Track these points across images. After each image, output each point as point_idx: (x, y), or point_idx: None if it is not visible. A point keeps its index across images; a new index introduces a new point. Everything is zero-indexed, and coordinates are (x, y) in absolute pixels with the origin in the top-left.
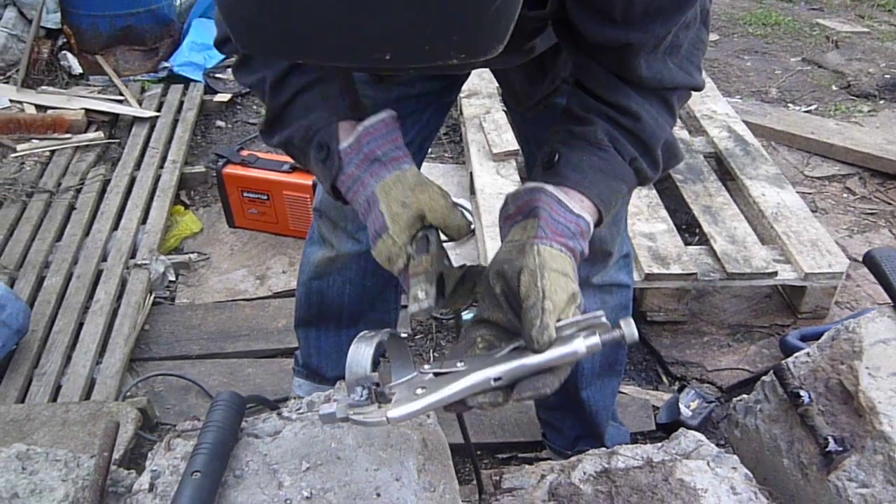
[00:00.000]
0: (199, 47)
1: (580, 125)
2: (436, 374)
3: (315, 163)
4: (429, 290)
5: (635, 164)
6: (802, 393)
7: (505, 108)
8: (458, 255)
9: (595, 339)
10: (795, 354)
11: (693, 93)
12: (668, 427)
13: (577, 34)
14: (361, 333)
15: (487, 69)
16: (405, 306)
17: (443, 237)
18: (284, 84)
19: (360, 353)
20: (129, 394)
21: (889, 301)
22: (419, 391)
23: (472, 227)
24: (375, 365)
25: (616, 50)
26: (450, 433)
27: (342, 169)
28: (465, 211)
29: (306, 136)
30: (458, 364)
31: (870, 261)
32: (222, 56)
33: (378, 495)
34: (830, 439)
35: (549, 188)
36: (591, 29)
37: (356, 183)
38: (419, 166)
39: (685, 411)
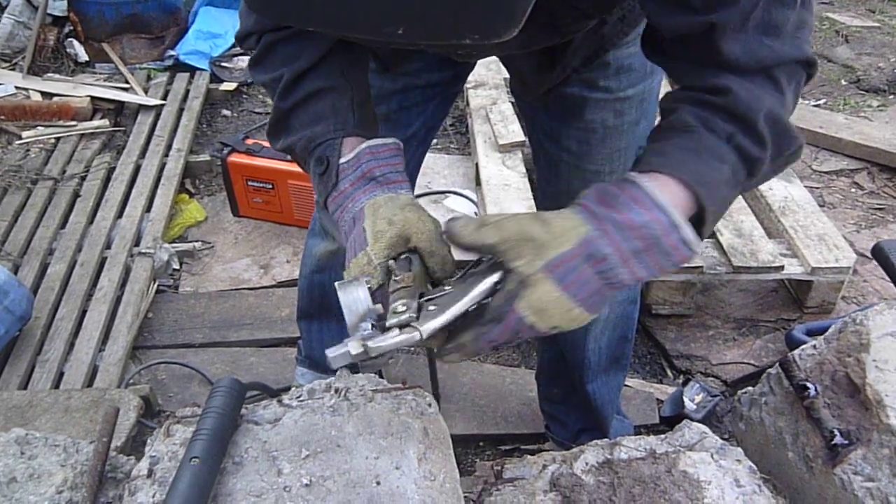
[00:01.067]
0: (205, 36)
1: (667, 117)
2: (429, 300)
3: (313, 175)
4: (409, 304)
5: (733, 140)
6: (808, 385)
7: (512, 98)
8: None
9: None
10: (802, 347)
11: (808, 72)
12: (671, 420)
13: (654, 34)
14: (340, 282)
15: (495, 58)
16: None
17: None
18: (297, 87)
19: (354, 293)
20: (131, 381)
21: None
22: (432, 308)
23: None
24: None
25: (701, 36)
26: (451, 424)
27: (338, 185)
28: (469, 202)
29: (307, 146)
30: (445, 289)
31: (878, 252)
32: (228, 45)
33: (378, 483)
34: (836, 432)
35: (632, 175)
36: (671, 21)
37: (347, 199)
38: (423, 157)
39: (689, 405)
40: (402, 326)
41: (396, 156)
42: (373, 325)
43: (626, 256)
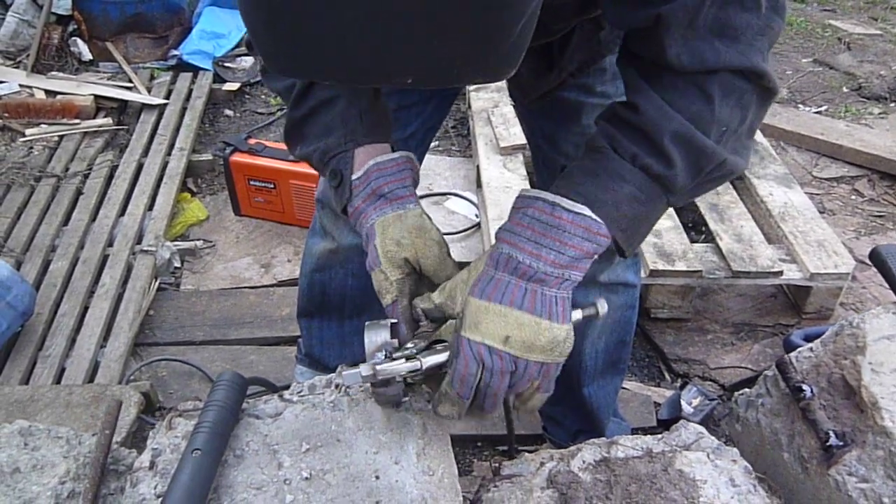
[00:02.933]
0: (208, 36)
1: (592, 134)
2: (440, 343)
3: (329, 187)
4: (419, 344)
5: (637, 161)
6: (804, 387)
7: (512, 101)
8: (462, 248)
9: (577, 313)
10: (798, 349)
11: (758, 83)
12: (669, 423)
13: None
14: (371, 321)
15: None
16: None
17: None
18: (308, 95)
19: (377, 330)
20: (132, 378)
21: (894, 297)
22: (439, 347)
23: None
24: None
25: (648, 32)
26: (449, 424)
27: (352, 200)
28: (469, 205)
29: (322, 158)
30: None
31: (876, 257)
32: (232, 45)
33: (377, 478)
34: (831, 433)
35: (526, 193)
36: (622, 16)
37: (360, 216)
38: (422, 158)
39: (687, 408)
40: (408, 358)
41: (404, 170)
42: (385, 356)
43: (525, 247)
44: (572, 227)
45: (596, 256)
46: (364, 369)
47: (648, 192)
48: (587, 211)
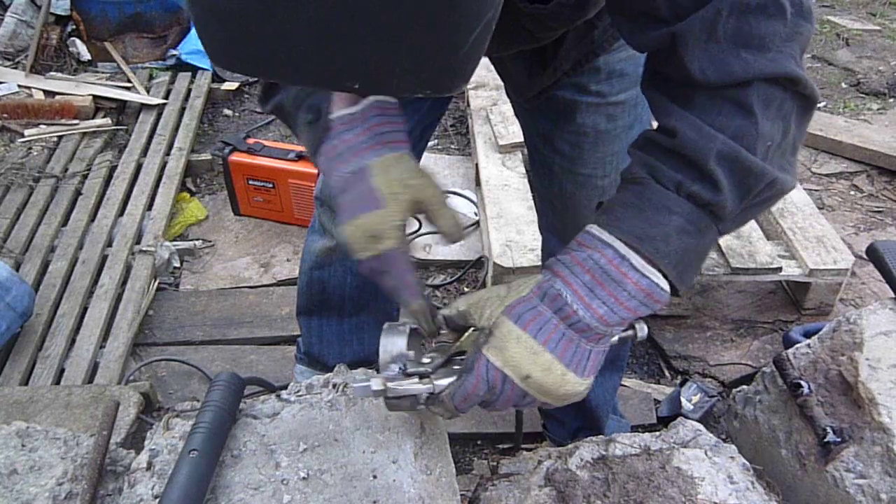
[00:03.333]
0: None
1: (627, 165)
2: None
3: (302, 125)
4: (436, 359)
5: (682, 189)
6: (802, 383)
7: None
8: (462, 246)
9: (613, 337)
10: (796, 345)
11: (794, 90)
12: (669, 420)
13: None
14: (389, 323)
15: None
16: None
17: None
18: None
19: (394, 337)
20: (131, 378)
21: (891, 293)
22: (456, 367)
23: (464, 228)
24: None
25: (668, 53)
26: (449, 422)
27: (339, 134)
28: (468, 203)
29: (298, 97)
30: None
31: (873, 253)
32: None
33: (375, 477)
34: (829, 430)
35: (597, 234)
36: (640, 37)
37: (350, 151)
38: (420, 156)
39: (686, 405)
40: (422, 376)
41: (400, 116)
42: (400, 369)
43: (578, 291)
44: (635, 288)
45: None
46: (375, 384)
47: (698, 223)
48: (657, 276)
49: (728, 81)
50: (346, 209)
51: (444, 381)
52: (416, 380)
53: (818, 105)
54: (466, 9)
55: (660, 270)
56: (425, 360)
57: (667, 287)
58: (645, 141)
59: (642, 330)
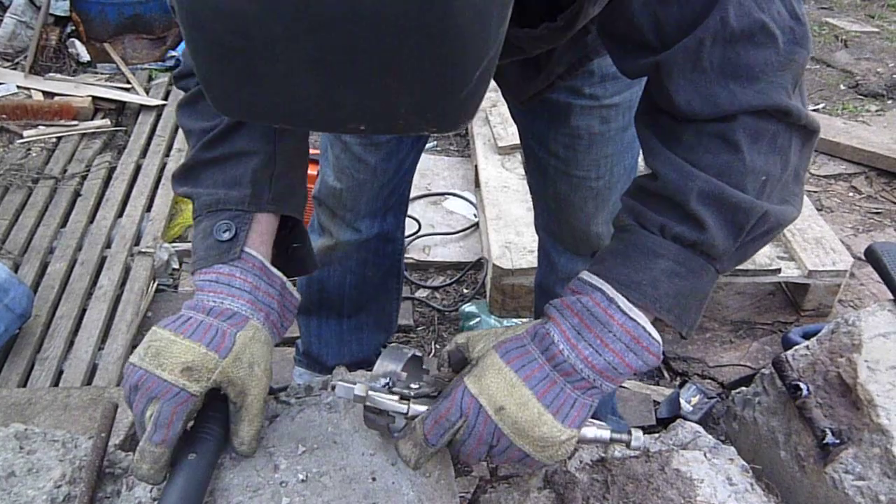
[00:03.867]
0: None
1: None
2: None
3: (204, 235)
4: (423, 387)
5: (667, 232)
6: (801, 385)
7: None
8: (461, 248)
9: (605, 433)
10: (795, 347)
11: (787, 122)
12: (668, 422)
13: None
14: (393, 345)
15: None
16: (408, 298)
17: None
18: (224, 141)
19: (392, 357)
20: None
21: (890, 295)
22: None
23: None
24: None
25: (655, 80)
26: None
27: (235, 261)
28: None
29: (214, 205)
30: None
31: (871, 254)
32: None
33: (374, 479)
34: (828, 431)
35: (589, 279)
36: (628, 64)
37: (232, 296)
38: (418, 156)
39: (686, 406)
40: (403, 397)
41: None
42: (387, 385)
43: (566, 332)
44: (620, 330)
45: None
46: (359, 388)
47: (688, 264)
48: (644, 321)
49: (714, 114)
50: (185, 327)
51: (420, 408)
52: (397, 399)
53: (817, 106)
54: (470, 48)
55: (654, 315)
56: (413, 386)
57: (656, 335)
58: (634, 186)
59: (637, 440)
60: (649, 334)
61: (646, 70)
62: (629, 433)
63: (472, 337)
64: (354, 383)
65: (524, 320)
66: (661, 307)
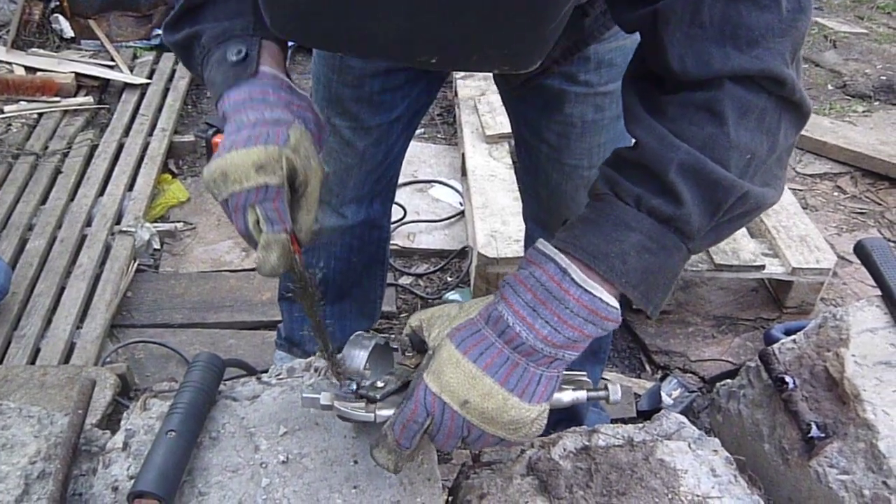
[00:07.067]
0: None
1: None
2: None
3: (216, 62)
4: (390, 383)
5: (642, 204)
6: (787, 378)
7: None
8: (446, 236)
9: (582, 394)
10: (782, 341)
11: (779, 93)
12: (649, 414)
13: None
14: (358, 333)
15: None
16: (391, 284)
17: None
18: None
19: (356, 351)
20: (108, 360)
21: (874, 291)
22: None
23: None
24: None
25: (650, 33)
26: None
27: (265, 86)
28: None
29: (221, 36)
30: None
31: (860, 250)
32: None
33: (355, 462)
34: (813, 425)
35: (542, 248)
36: (626, 15)
37: (277, 104)
38: (408, 142)
39: (667, 399)
40: (370, 401)
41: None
42: (354, 390)
43: (520, 312)
44: (577, 305)
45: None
46: (324, 398)
47: (660, 240)
48: (600, 291)
49: (705, 74)
50: (237, 141)
51: (386, 412)
52: (363, 404)
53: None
54: None
55: (619, 291)
56: (379, 384)
57: (613, 302)
58: (613, 156)
59: (615, 393)
60: (606, 304)
61: (643, 20)
62: (606, 388)
63: (425, 319)
64: (318, 392)
65: (477, 300)
66: (628, 282)
